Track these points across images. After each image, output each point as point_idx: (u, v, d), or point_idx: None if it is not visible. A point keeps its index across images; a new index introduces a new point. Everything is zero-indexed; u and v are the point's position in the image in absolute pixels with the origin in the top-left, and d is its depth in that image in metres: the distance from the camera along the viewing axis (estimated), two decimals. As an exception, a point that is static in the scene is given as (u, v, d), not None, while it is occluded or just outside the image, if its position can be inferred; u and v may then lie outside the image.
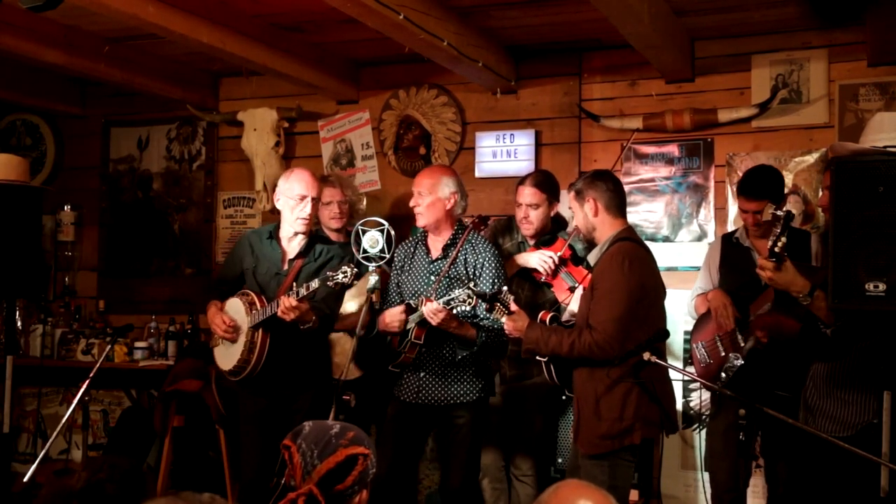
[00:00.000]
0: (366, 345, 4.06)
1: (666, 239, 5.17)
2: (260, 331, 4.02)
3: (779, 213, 3.16)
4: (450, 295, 3.84)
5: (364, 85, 5.86)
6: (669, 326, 3.75)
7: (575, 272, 4.42)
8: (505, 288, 3.75)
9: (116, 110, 6.37)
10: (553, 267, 4.41)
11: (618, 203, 3.74)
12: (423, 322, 3.96)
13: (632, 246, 3.64)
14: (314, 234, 4.28)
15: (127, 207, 6.36)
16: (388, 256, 3.95)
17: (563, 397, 4.71)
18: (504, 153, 5.44)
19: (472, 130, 5.60)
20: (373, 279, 3.74)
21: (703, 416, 4.87)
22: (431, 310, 3.86)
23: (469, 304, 3.78)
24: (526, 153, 5.43)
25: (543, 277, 4.43)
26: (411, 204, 4.15)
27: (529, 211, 4.50)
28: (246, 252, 4.28)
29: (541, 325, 3.73)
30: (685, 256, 5.06)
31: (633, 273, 3.53)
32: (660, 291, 3.71)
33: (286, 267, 4.18)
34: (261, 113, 5.84)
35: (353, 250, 3.91)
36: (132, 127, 6.36)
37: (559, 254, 4.42)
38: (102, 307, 6.25)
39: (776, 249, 3.16)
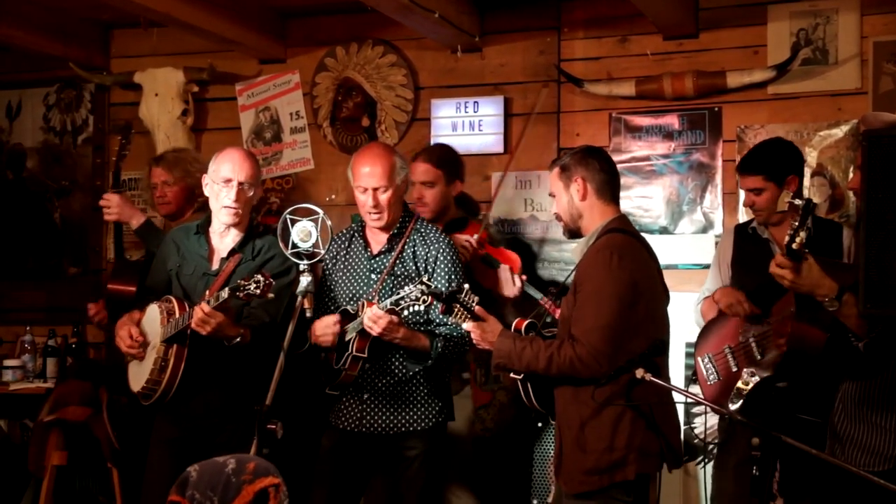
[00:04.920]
0: (296, 362, 4.04)
1: (664, 230, 5.22)
2: (175, 346, 3.99)
3: (797, 201, 3.19)
4: (398, 294, 3.79)
5: (293, 41, 5.86)
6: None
7: (496, 253, 4.53)
8: (467, 286, 3.69)
9: (-22, 70, 6.22)
10: (470, 251, 4.48)
11: (611, 187, 3.74)
12: (365, 331, 3.93)
13: (624, 238, 3.63)
14: (255, 226, 4.29)
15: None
16: (322, 252, 3.93)
17: (540, 424, 4.76)
18: (466, 125, 5.46)
19: (426, 97, 5.62)
20: (304, 280, 3.70)
21: (711, 447, 4.91)
22: (371, 317, 3.82)
23: (423, 302, 3.71)
24: (493, 125, 5.46)
25: None
26: (370, 203, 4.04)
27: (424, 190, 4.63)
28: (171, 251, 4.29)
29: (514, 334, 3.70)
30: (687, 252, 5.10)
31: (625, 271, 3.51)
32: (658, 294, 3.70)
33: (216, 266, 4.18)
34: (164, 74, 5.82)
35: (281, 245, 3.89)
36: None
37: (476, 236, 4.49)
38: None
39: (794, 246, 3.19)
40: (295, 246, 3.85)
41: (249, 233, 4.23)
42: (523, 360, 3.58)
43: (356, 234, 4.25)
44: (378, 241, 4.18)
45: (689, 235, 5.19)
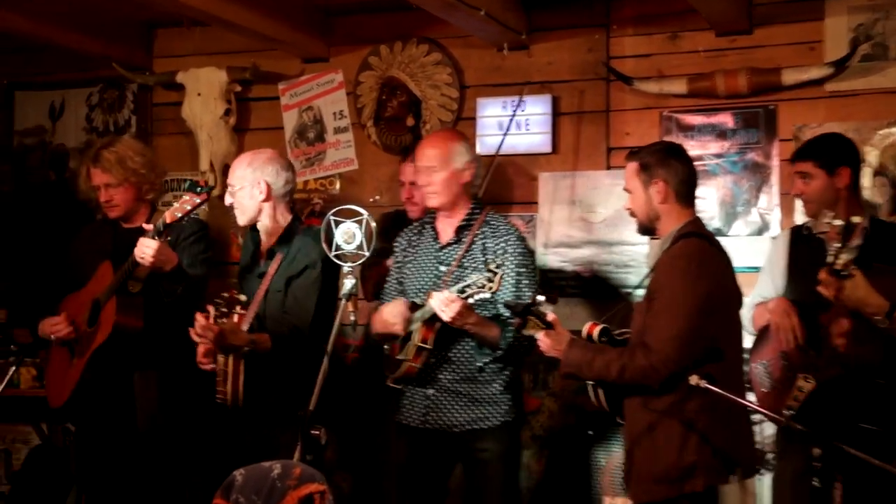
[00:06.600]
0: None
1: (717, 232, 5.05)
2: (231, 355, 4.06)
3: (836, 222, 3.18)
4: (464, 281, 3.82)
5: (336, 39, 5.84)
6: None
7: None
8: (541, 297, 3.70)
9: (22, 69, 6.31)
10: None
11: (691, 188, 3.75)
12: (431, 319, 3.94)
13: (699, 244, 3.62)
14: (296, 221, 4.35)
15: (36, 192, 6.33)
16: (367, 254, 3.90)
17: (591, 433, 4.70)
18: (513, 124, 5.38)
19: (472, 96, 5.59)
20: (348, 284, 3.69)
21: (769, 458, 4.84)
22: (442, 300, 3.82)
23: (490, 289, 3.73)
24: (540, 124, 5.41)
25: None
26: (421, 182, 4.17)
27: (413, 190, 4.85)
28: (242, 254, 4.49)
29: (584, 342, 3.71)
30: (742, 254, 4.88)
31: (702, 280, 3.52)
32: (733, 300, 3.70)
33: (263, 265, 4.27)
34: (206, 74, 5.82)
35: (324, 247, 3.87)
36: (42, 90, 6.33)
37: None
38: (4, 318, 6.18)
39: (836, 266, 3.17)
40: (339, 248, 3.84)
41: (287, 232, 4.29)
42: (594, 370, 3.61)
43: (427, 225, 4.31)
44: (447, 232, 4.20)
45: (744, 237, 5.12)
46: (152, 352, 4.50)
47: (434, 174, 4.14)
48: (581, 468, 5.00)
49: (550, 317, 3.65)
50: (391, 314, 4.07)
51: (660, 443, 3.52)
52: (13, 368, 4.72)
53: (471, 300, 3.83)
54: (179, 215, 4.11)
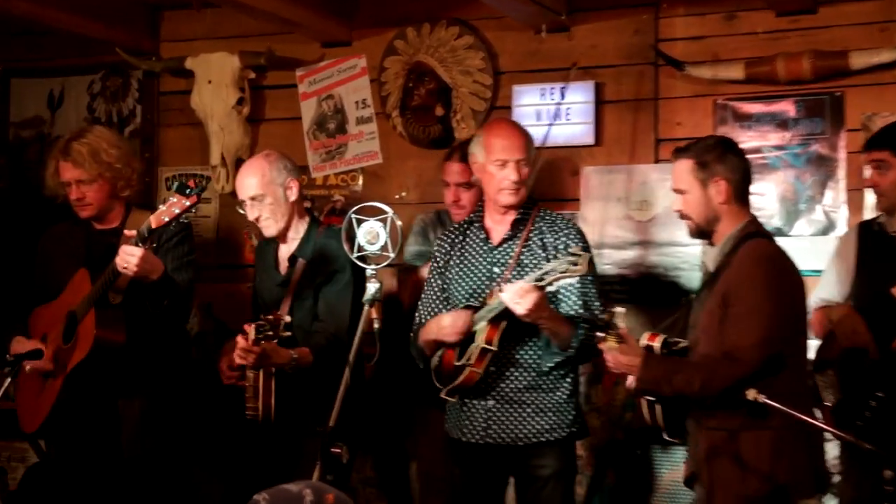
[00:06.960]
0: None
1: (778, 232, 4.99)
2: (262, 371, 4.08)
3: None
4: (542, 268, 3.72)
5: (359, 21, 5.79)
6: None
7: None
8: (622, 309, 3.62)
9: (19, 55, 6.33)
10: None
11: (747, 186, 3.73)
12: (497, 317, 3.86)
13: (771, 246, 3.66)
14: (314, 222, 4.39)
15: (34, 188, 6.21)
16: (391, 255, 3.86)
17: (638, 451, 4.64)
18: (552, 114, 5.33)
19: (507, 83, 5.53)
20: (371, 288, 3.64)
21: (836, 479, 4.73)
22: (516, 291, 3.72)
23: (577, 272, 3.64)
24: (582, 114, 5.35)
25: None
26: (513, 178, 4.04)
27: (460, 192, 4.82)
28: (256, 263, 4.57)
29: (659, 357, 3.67)
30: (805, 256, 4.77)
31: (783, 283, 3.57)
32: (801, 306, 3.72)
33: (284, 275, 4.30)
34: (218, 59, 5.81)
35: (346, 248, 3.82)
36: (41, 78, 6.35)
37: None
38: (-1, 326, 6.17)
39: None
40: (361, 249, 3.79)
41: (308, 234, 4.34)
42: (674, 386, 3.58)
43: (473, 225, 4.23)
44: (500, 230, 4.13)
45: (808, 237, 5.05)
46: (136, 370, 4.38)
47: (522, 168, 4.07)
48: (629, 489, 4.99)
49: (622, 330, 3.59)
50: (455, 321, 3.98)
51: (746, 461, 3.52)
52: (9, 380, 4.67)
53: (550, 288, 3.75)
54: (167, 219, 3.93)
